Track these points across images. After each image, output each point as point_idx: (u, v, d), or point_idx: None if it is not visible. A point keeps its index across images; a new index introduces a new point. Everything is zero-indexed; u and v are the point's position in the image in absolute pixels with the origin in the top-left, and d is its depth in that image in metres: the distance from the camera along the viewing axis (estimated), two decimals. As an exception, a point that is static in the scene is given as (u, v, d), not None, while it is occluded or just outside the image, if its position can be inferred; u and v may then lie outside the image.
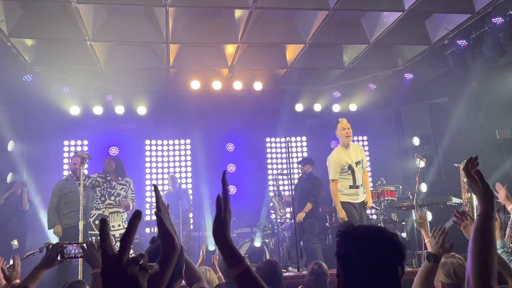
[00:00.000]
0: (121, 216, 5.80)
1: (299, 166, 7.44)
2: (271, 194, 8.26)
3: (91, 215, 5.83)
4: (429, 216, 6.70)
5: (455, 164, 6.26)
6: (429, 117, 9.30)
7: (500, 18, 5.89)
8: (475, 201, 5.84)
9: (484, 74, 7.11)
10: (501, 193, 4.03)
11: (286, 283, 3.21)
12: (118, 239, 5.62)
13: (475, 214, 5.83)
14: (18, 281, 2.68)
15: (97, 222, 5.72)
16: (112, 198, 5.78)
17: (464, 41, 6.52)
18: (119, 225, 5.73)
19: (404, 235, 7.12)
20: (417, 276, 2.12)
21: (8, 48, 6.36)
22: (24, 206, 7.65)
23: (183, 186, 8.81)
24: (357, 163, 5.68)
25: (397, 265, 1.38)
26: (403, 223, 7.22)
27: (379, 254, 1.37)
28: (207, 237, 7.72)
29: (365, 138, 10.12)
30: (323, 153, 9.72)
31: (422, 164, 6.69)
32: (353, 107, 9.39)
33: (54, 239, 7.50)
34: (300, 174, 7.52)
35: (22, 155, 8.21)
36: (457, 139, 8.16)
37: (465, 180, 5.89)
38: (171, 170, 9.24)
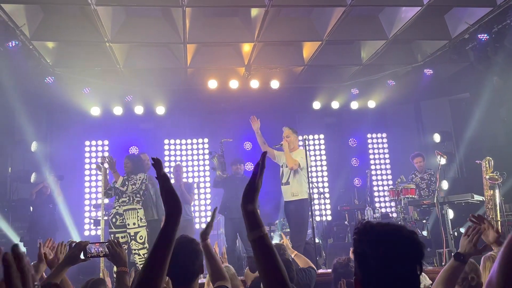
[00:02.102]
0: (137, 213, 5.86)
1: (236, 165, 7.10)
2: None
3: (109, 214, 5.93)
4: (451, 214, 6.59)
5: (477, 161, 6.16)
6: (450, 113, 9.14)
7: (523, 11, 5.75)
8: (498, 199, 5.73)
9: (506, 68, 6.95)
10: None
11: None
12: (133, 237, 5.72)
13: (498, 212, 5.73)
14: None
15: (114, 220, 5.83)
16: (124, 195, 5.87)
17: (486, 35, 6.38)
18: (134, 224, 5.79)
19: (425, 233, 7.02)
20: (441, 273, 2.06)
21: (30, 51, 6.52)
22: (58, 196, 7.86)
23: (189, 180, 8.81)
24: (286, 165, 6.02)
25: (416, 263, 1.36)
26: (424, 221, 7.12)
27: (397, 252, 1.35)
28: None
29: (384, 135, 10.01)
30: (341, 151, 9.77)
31: (443, 161, 6.59)
32: (371, 104, 9.29)
33: (75, 237, 7.68)
34: (232, 174, 7.13)
35: (45, 155, 8.40)
36: (479, 136, 8.00)
37: (487, 177, 5.81)
38: (190, 169, 9.33)
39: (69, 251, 2.49)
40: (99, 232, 6.43)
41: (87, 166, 8.98)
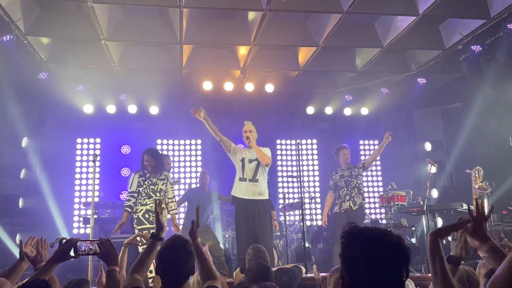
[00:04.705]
0: (165, 211, 5.89)
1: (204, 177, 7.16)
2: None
3: (138, 211, 5.78)
4: (439, 222, 6.65)
5: (466, 170, 6.23)
6: (441, 123, 9.23)
7: (516, 24, 5.83)
8: (486, 208, 5.78)
9: (498, 80, 7.04)
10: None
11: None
12: None
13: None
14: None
15: (147, 215, 5.69)
16: (158, 194, 5.78)
17: (479, 46, 6.47)
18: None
19: (413, 240, 7.08)
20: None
21: (25, 46, 6.47)
22: None
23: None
24: (251, 160, 5.73)
25: (402, 267, 1.38)
26: (413, 228, 7.17)
27: (384, 256, 1.38)
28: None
29: (376, 142, 10.06)
30: (333, 156, 9.76)
31: (433, 169, 6.65)
32: (364, 111, 9.35)
33: (64, 235, 7.60)
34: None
35: (35, 151, 8.33)
36: (470, 145, 8.08)
37: (476, 186, 5.87)
38: (181, 170, 9.30)
39: (59, 248, 2.45)
40: (88, 231, 6.35)
41: (78, 164, 8.92)
